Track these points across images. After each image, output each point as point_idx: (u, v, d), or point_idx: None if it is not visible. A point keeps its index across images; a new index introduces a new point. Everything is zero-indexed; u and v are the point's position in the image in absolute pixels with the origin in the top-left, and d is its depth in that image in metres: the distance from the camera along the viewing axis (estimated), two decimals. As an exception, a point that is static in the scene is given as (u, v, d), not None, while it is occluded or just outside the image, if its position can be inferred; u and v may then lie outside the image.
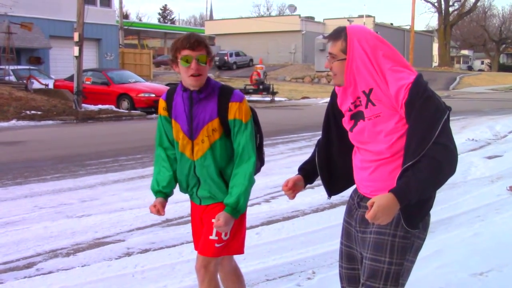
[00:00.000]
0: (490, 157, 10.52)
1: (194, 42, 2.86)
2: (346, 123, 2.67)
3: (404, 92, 2.39)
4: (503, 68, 75.00)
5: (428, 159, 2.30)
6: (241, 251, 3.18)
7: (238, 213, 2.94)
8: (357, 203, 2.71)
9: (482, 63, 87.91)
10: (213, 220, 2.97)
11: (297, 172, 2.91)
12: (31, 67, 26.63)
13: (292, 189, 2.80)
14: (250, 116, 2.99)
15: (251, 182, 2.98)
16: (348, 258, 2.77)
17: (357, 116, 2.57)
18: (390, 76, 2.45)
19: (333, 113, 2.77)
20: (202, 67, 2.88)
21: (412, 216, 2.48)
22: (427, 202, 2.55)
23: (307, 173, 2.87)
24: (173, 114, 3.05)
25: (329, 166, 2.82)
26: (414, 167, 2.31)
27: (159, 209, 3.06)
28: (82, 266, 4.80)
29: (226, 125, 2.95)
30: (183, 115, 2.99)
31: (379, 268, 2.50)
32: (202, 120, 2.95)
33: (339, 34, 2.55)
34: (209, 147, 2.97)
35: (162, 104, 3.11)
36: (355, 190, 2.77)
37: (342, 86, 2.60)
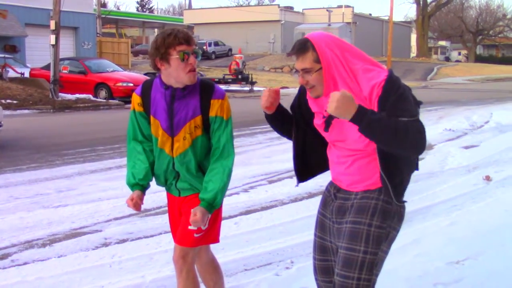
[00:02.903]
0: (466, 147, 10.62)
1: (189, 37, 2.81)
2: (318, 124, 2.65)
3: (377, 90, 2.38)
4: (480, 59, 75.73)
5: (399, 121, 2.30)
6: (217, 240, 3.17)
7: (213, 209, 2.91)
8: (334, 195, 2.70)
9: (459, 54, 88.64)
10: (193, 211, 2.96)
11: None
12: (6, 56, 26.15)
13: (275, 95, 2.70)
14: (230, 113, 2.96)
15: (229, 179, 2.95)
16: (321, 250, 2.77)
17: (332, 117, 2.53)
18: (362, 76, 2.43)
19: (300, 111, 2.75)
20: (196, 61, 2.85)
21: (399, 190, 2.52)
22: (408, 175, 2.57)
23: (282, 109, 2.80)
24: (152, 111, 2.98)
25: (303, 152, 2.81)
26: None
27: (136, 202, 3.01)
28: (59, 257, 4.75)
29: (207, 121, 2.92)
30: (163, 112, 2.93)
31: (354, 257, 2.49)
32: (184, 117, 2.90)
33: (305, 46, 2.47)
34: (191, 143, 2.93)
35: (136, 99, 3.03)
36: (331, 183, 2.77)
37: (321, 96, 2.53)
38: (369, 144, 2.47)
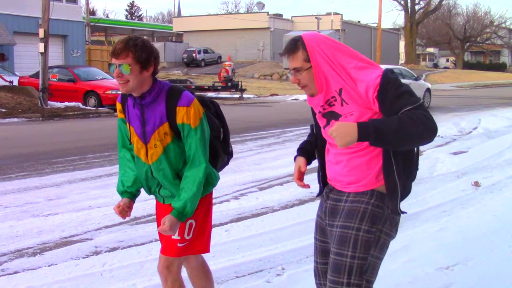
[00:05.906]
0: (455, 153, 10.69)
1: (117, 50, 2.74)
2: (319, 121, 2.68)
3: (374, 86, 2.39)
4: (468, 65, 76.35)
5: (401, 116, 2.30)
6: (206, 250, 3.15)
7: (184, 217, 2.87)
8: (327, 195, 2.72)
9: (447, 60, 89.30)
10: None
11: (296, 153, 2.89)
12: (-5, 64, 26.11)
13: (303, 174, 2.79)
14: (199, 120, 2.87)
15: (199, 188, 2.89)
16: (323, 253, 2.77)
17: (329, 116, 2.57)
18: (356, 74, 2.45)
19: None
20: (125, 75, 2.75)
21: (395, 198, 2.50)
22: (408, 183, 2.58)
23: (307, 152, 2.86)
24: (127, 117, 2.99)
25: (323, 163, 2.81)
26: (387, 117, 2.34)
27: (123, 209, 3.01)
28: (49, 266, 4.73)
29: (176, 128, 2.89)
30: (136, 119, 2.94)
31: (342, 262, 2.49)
32: (153, 124, 2.89)
33: (296, 45, 2.52)
34: (163, 151, 2.92)
35: (118, 106, 3.06)
36: (327, 184, 2.77)
37: (315, 95, 2.57)
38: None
